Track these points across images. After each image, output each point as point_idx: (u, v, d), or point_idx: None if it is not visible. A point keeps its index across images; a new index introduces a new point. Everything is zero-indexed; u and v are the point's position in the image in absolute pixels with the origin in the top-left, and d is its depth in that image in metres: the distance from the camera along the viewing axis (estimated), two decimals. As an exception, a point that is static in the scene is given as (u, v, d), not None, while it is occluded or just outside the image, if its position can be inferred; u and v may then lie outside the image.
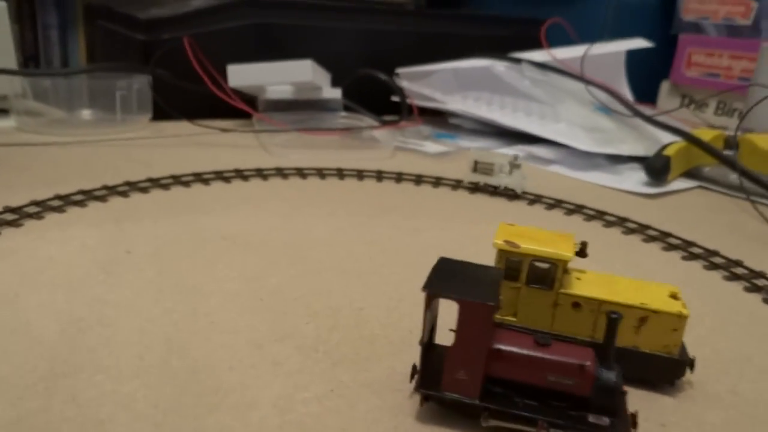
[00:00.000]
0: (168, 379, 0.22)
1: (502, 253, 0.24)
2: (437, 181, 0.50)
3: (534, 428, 0.20)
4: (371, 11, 0.82)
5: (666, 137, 0.65)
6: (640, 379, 0.24)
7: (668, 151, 0.54)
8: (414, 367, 0.22)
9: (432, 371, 0.21)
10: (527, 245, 0.24)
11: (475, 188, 0.49)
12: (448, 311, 0.23)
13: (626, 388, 0.21)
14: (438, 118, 0.76)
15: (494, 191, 0.48)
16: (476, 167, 0.48)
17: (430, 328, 0.21)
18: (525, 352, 0.20)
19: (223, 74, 0.63)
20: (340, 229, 0.38)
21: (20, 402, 0.21)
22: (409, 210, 0.43)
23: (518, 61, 0.71)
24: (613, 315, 0.20)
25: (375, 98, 0.73)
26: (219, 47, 0.68)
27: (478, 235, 0.39)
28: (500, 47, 0.82)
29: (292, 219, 0.39)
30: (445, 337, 0.23)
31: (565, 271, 0.24)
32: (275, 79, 0.64)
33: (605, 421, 0.20)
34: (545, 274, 0.24)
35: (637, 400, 0.23)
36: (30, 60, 1.18)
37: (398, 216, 0.41)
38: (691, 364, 0.24)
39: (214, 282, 0.30)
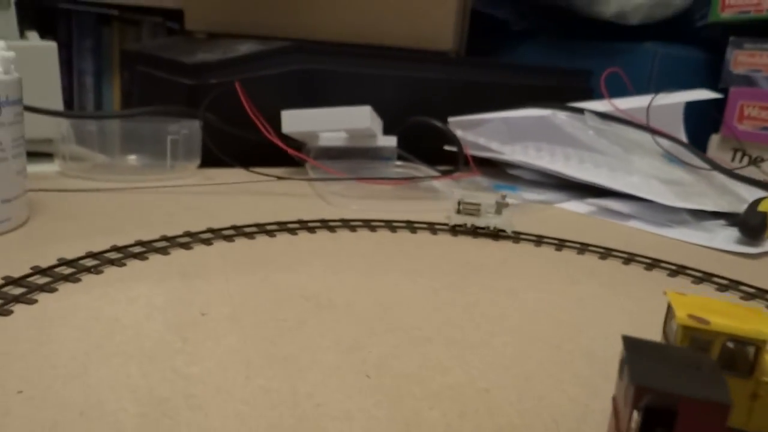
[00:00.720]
0: (284, 485, 0.18)
1: (686, 331, 0.20)
2: (516, 237, 0.46)
3: None
4: (416, 59, 0.80)
5: (745, 192, 0.61)
6: None
7: (763, 207, 0.50)
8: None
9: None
10: (719, 321, 0.19)
11: (467, 231, 0.46)
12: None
13: None
14: (491, 169, 0.72)
15: (492, 233, 0.46)
16: (460, 208, 0.45)
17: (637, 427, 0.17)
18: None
19: (270, 120, 0.60)
20: (430, 289, 0.34)
21: None
22: (497, 268, 0.39)
23: (580, 110, 0.67)
24: None
25: (426, 147, 0.70)
26: (264, 93, 0.65)
27: (583, 297, 0.35)
28: (546, 97, 0.80)
29: (373, 277, 0.35)
30: None
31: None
32: (331, 126, 0.61)
33: None
34: (740, 358, 0.20)
35: None
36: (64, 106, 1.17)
37: (488, 275, 0.37)
38: None
39: (308, 352, 0.26)
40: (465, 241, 0.44)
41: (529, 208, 0.56)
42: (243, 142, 0.62)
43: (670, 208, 0.54)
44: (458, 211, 0.45)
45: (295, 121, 0.61)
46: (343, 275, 0.35)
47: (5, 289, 0.29)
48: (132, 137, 0.61)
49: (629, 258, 0.42)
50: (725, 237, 0.50)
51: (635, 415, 0.17)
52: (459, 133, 0.69)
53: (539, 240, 0.45)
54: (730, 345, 0.20)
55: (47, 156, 0.60)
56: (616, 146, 0.63)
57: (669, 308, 0.22)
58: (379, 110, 0.67)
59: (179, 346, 0.25)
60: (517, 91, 0.82)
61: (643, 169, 0.59)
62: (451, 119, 0.72)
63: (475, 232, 0.46)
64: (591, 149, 0.64)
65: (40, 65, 0.58)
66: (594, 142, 0.64)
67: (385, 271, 0.36)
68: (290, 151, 0.59)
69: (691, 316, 0.20)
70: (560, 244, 0.45)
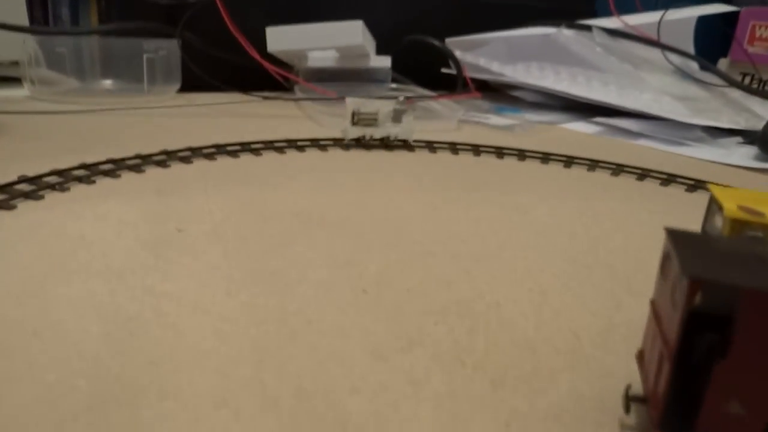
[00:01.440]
0: (268, 410, 0.15)
1: (735, 225, 0.17)
2: (521, 154, 0.42)
3: None
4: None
5: (761, 109, 0.57)
6: None
7: (783, 122, 0.46)
8: (627, 390, 0.15)
9: (673, 399, 0.14)
10: (775, 214, 0.17)
11: (362, 144, 0.42)
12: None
13: None
14: (492, 93, 0.68)
15: (384, 144, 0.42)
16: (356, 119, 0.41)
17: (683, 332, 0.14)
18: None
19: (255, 43, 0.56)
20: (432, 205, 0.31)
21: (56, 445, 0.14)
22: (502, 184, 0.36)
23: (587, 27, 0.63)
24: None
25: (422, 70, 0.66)
26: (247, 13, 0.60)
27: (598, 213, 0.32)
28: (545, 19, 0.75)
29: (369, 194, 0.32)
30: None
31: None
32: (320, 43, 0.56)
33: None
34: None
35: None
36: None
37: (494, 191, 0.34)
38: None
39: (297, 268, 0.23)
40: (466, 159, 0.41)
41: (533, 128, 0.53)
42: (225, 66, 0.58)
43: (684, 125, 0.51)
44: (354, 123, 0.41)
45: (281, 38, 0.57)
46: (336, 192, 0.32)
47: (-43, 207, 0.26)
48: (106, 60, 0.56)
49: (643, 174, 0.39)
50: (743, 154, 0.47)
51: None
52: (458, 53, 0.65)
53: (545, 157, 0.42)
54: (786, 243, 0.17)
55: (15, 80, 0.55)
56: (626, 63, 0.59)
57: (711, 203, 0.19)
58: (371, 32, 0.63)
59: (152, 262, 0.23)
60: (516, 12, 0.77)
61: (655, 86, 0.55)
62: (449, 40, 0.68)
63: (478, 149, 0.43)
64: (598, 68, 0.60)
65: (-1, -23, 0.53)
66: (602, 60, 0.60)
67: (382, 189, 0.33)
68: (274, 69, 0.55)
69: (742, 208, 0.17)
70: (569, 161, 0.41)
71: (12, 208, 0.27)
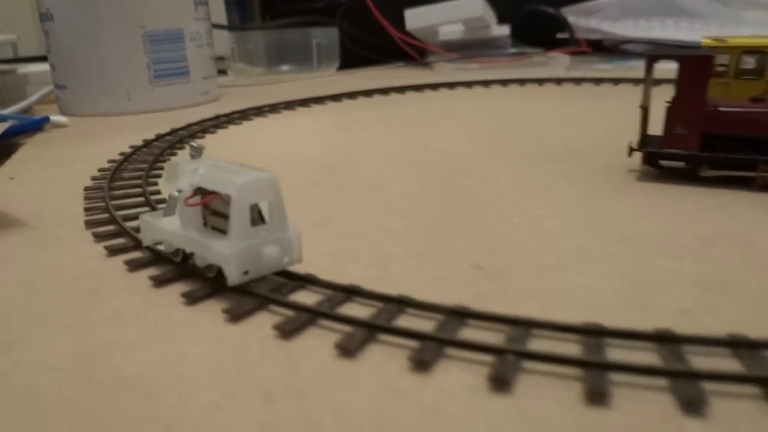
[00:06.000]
0: (416, 168, 0.27)
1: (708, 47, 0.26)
2: (615, 81, 0.51)
3: (754, 172, 0.22)
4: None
5: None
6: None
7: None
8: (629, 145, 0.25)
9: (648, 145, 0.24)
10: (734, 41, 0.26)
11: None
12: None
13: None
14: (607, 52, 0.76)
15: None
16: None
17: (648, 94, 0.24)
18: (742, 108, 0.23)
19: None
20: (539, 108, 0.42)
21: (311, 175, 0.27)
22: (593, 99, 0.45)
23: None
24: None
25: (536, 37, 0.75)
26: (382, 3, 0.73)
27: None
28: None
29: (510, 105, 0.43)
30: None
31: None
32: (448, 18, 0.69)
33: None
34: (754, 66, 0.26)
35: None
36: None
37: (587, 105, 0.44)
38: None
39: (438, 134, 0.35)
40: (569, 88, 0.51)
41: (634, 68, 0.61)
42: (369, 48, 0.72)
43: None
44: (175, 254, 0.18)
45: (416, 17, 0.70)
46: (476, 102, 0.44)
47: (219, 119, 0.42)
48: (281, 50, 0.72)
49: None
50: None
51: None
52: (572, 19, 0.74)
53: (617, 81, 0.50)
54: (748, 58, 0.26)
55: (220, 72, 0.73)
56: (729, 7, 0.65)
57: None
58: (492, 4, 0.73)
59: (343, 135, 0.36)
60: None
61: (752, 22, 0.61)
62: (566, 8, 0.77)
63: (579, 81, 0.52)
64: (703, 15, 0.66)
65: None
66: (707, 7, 0.66)
67: (516, 103, 0.44)
68: (420, 44, 0.68)
69: (713, 38, 0.26)
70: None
71: (250, 119, 0.42)
